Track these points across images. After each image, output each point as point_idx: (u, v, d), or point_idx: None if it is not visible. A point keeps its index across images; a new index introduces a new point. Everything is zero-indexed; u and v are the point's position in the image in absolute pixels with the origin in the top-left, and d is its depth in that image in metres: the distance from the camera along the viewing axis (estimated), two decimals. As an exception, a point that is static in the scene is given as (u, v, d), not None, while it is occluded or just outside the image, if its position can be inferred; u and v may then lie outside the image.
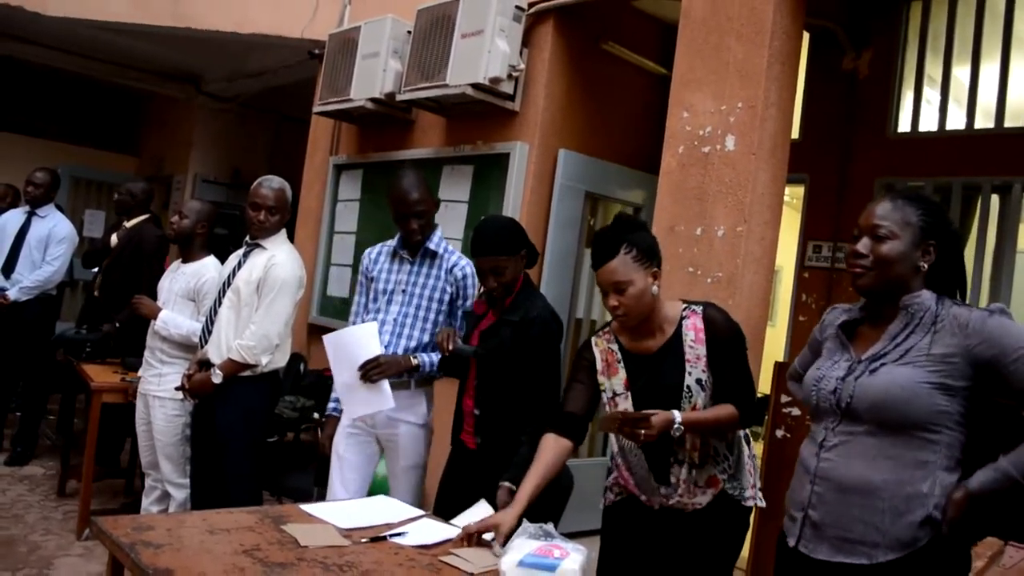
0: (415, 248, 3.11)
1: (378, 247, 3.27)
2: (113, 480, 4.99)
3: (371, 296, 3.19)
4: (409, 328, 3.05)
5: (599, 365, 2.40)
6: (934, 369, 1.76)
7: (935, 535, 1.76)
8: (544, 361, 2.63)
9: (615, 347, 2.38)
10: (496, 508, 2.34)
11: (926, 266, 1.85)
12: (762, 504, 2.38)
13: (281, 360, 3.47)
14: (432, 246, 3.11)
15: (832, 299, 5.42)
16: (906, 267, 1.85)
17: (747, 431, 2.42)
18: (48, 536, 4.09)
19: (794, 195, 6.22)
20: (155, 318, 3.75)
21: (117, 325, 4.70)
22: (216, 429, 3.38)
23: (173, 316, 3.74)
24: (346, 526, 2.24)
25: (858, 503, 1.82)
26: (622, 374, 2.34)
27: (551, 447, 2.35)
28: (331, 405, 3.24)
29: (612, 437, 2.39)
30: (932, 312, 1.83)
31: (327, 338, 3.10)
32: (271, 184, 3.46)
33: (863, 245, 1.89)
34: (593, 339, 2.46)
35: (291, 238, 3.79)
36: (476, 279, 3.12)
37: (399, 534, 2.21)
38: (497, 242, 2.66)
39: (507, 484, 2.43)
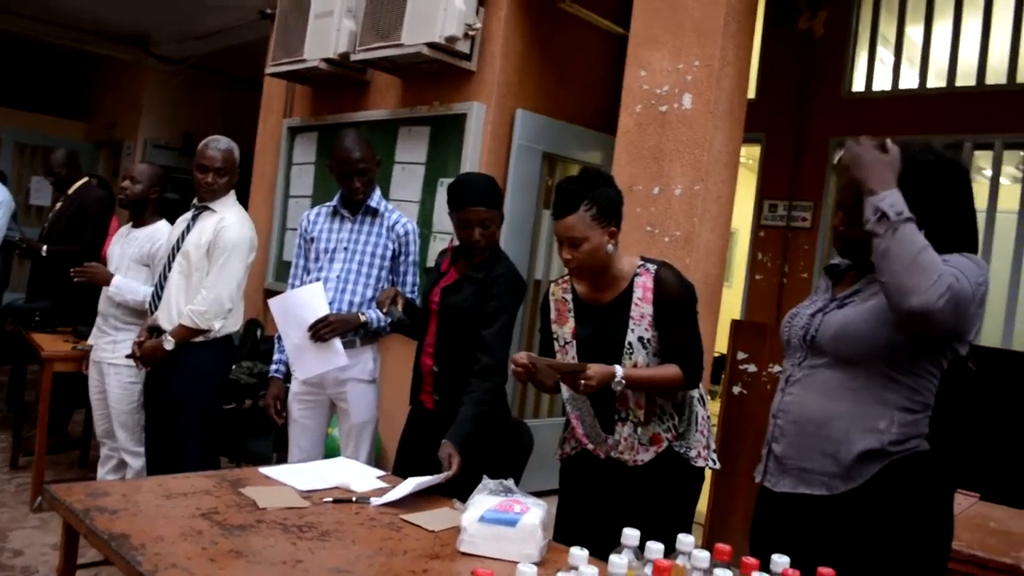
0: (356, 206, 3.13)
1: (316, 208, 3.28)
2: (68, 452, 4.91)
3: (311, 257, 3.20)
4: (352, 284, 3.08)
5: (552, 314, 2.45)
6: None
7: (886, 468, 1.78)
8: (498, 317, 2.62)
9: (569, 296, 2.41)
10: (439, 468, 2.34)
11: None
12: (715, 466, 2.40)
13: (234, 324, 3.42)
14: (373, 204, 3.13)
15: (788, 258, 5.49)
16: None
17: (702, 391, 2.44)
18: (1, 509, 4.01)
19: (750, 156, 6.27)
20: (107, 284, 3.67)
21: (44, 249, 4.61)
22: (170, 396, 3.33)
23: (127, 282, 3.66)
24: (305, 488, 2.23)
25: (815, 434, 1.85)
26: (571, 323, 2.38)
27: None
28: (272, 367, 3.24)
29: (562, 384, 2.39)
30: None
31: (273, 302, 3.10)
32: (218, 145, 3.39)
33: (840, 220, 1.90)
34: (551, 286, 2.50)
35: (245, 203, 3.72)
36: (417, 235, 3.17)
37: (364, 498, 2.20)
38: (486, 194, 2.64)
39: (447, 441, 2.42)
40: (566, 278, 2.45)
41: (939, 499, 1.85)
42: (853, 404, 1.82)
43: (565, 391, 2.40)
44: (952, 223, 1.77)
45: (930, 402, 1.82)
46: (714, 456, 2.40)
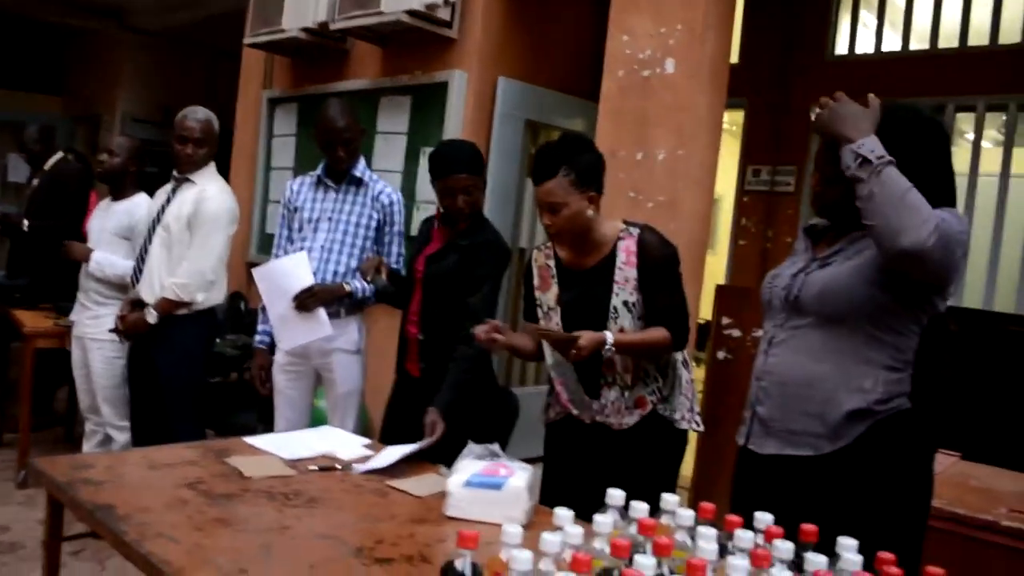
0: (340, 176, 3.11)
1: (300, 178, 3.26)
2: (53, 429, 4.89)
3: (295, 227, 3.18)
4: (336, 254, 3.06)
5: (536, 280, 2.44)
6: (879, 263, 1.74)
7: (872, 427, 1.79)
8: (484, 284, 2.61)
9: (552, 262, 2.41)
10: (424, 435, 2.36)
11: None
12: (699, 429, 2.42)
13: (218, 297, 3.40)
14: (357, 173, 3.11)
15: (772, 222, 5.50)
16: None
17: (685, 355, 2.44)
18: (-13, 486, 4.01)
19: (733, 122, 6.26)
20: (86, 261, 3.64)
21: (26, 224, 4.57)
22: (155, 369, 3.31)
23: (107, 256, 3.62)
24: (290, 456, 2.22)
25: (800, 395, 1.85)
26: (555, 289, 2.38)
27: None
28: (257, 338, 3.23)
29: (547, 352, 2.39)
30: None
31: (257, 271, 3.08)
32: (196, 115, 3.35)
33: (817, 181, 1.91)
34: (534, 252, 2.50)
35: (226, 176, 3.68)
36: (402, 205, 3.16)
37: (349, 467, 2.20)
38: (468, 161, 2.63)
39: (432, 407, 2.43)
40: (549, 245, 2.44)
41: (921, 457, 1.86)
42: (837, 364, 1.82)
43: (549, 357, 2.40)
44: (930, 178, 1.75)
45: (911, 360, 1.82)
46: (698, 418, 2.41)
